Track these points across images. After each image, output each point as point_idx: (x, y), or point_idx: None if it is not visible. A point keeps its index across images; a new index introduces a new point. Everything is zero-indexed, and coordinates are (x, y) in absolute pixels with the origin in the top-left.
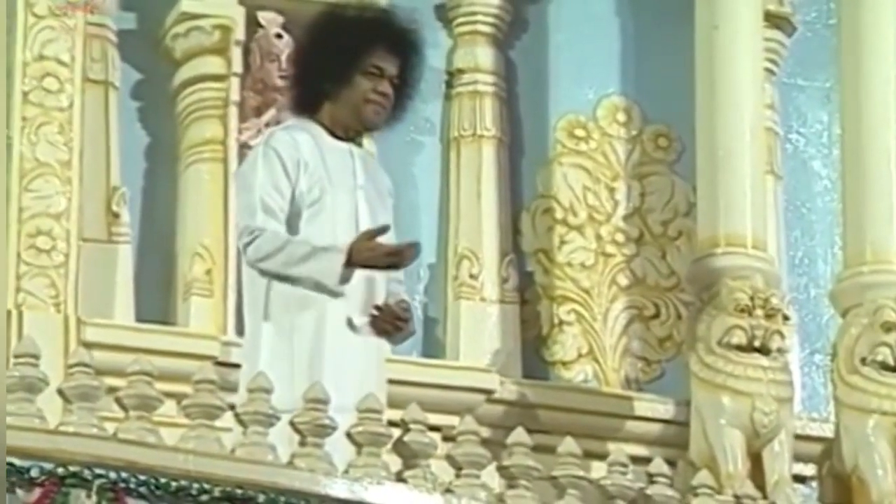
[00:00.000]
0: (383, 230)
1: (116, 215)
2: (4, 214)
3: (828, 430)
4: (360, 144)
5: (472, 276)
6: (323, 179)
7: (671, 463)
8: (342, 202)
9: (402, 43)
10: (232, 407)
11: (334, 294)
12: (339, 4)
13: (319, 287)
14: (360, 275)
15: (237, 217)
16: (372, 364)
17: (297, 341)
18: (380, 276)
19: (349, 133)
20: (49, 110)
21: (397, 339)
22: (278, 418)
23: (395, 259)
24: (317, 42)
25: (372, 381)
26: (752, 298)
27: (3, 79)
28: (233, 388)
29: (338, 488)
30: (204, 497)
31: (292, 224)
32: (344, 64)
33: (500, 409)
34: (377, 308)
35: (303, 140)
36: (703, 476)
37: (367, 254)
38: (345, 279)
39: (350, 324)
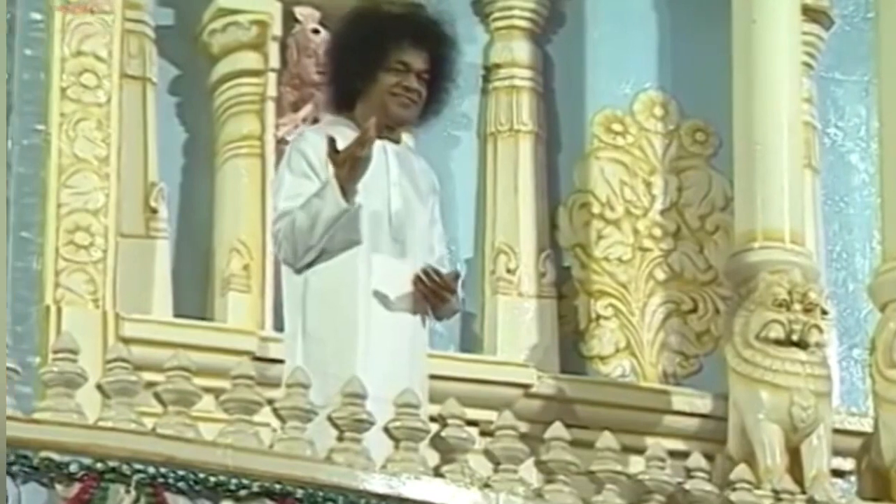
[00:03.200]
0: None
1: (154, 211)
2: (4, 214)
3: (866, 425)
4: (396, 140)
5: (509, 271)
6: None
7: (709, 457)
8: (372, 199)
9: (428, 37)
10: (270, 402)
11: (356, 229)
12: (370, 0)
13: (340, 227)
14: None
15: (271, 222)
16: (408, 355)
17: (331, 337)
18: (419, 257)
19: (381, 130)
20: (87, 106)
21: (443, 312)
22: (316, 413)
23: (365, 140)
24: (343, 40)
25: (406, 373)
26: (790, 293)
27: (2, 78)
28: (270, 384)
29: (375, 483)
30: (242, 492)
31: None
32: (369, 61)
33: (538, 404)
34: (424, 272)
35: (329, 138)
36: (742, 471)
37: (342, 156)
38: (349, 194)
39: (384, 300)
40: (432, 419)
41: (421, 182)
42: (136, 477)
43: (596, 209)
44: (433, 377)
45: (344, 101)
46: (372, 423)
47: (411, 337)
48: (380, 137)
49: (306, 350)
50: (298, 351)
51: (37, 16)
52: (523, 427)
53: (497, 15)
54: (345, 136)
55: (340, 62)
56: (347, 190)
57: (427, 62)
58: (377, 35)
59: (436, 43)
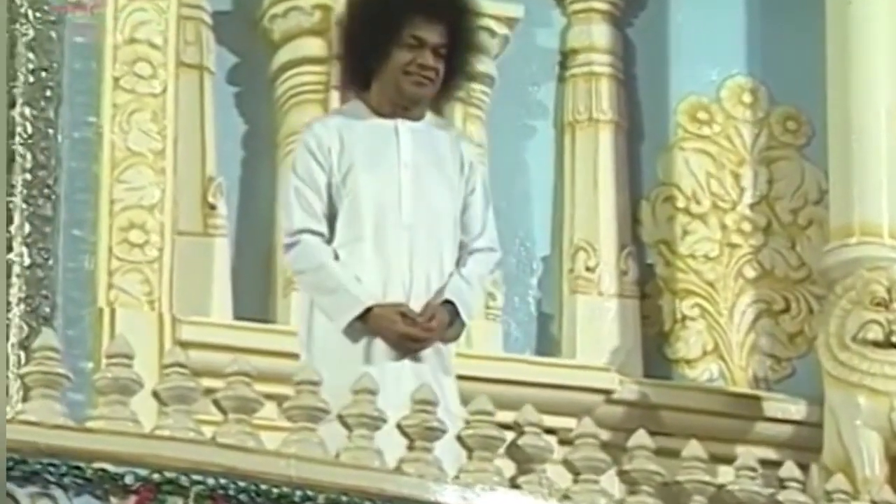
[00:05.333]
0: (431, 313)
1: (213, 207)
2: (4, 214)
3: None
4: (417, 118)
5: (588, 269)
6: (355, 162)
7: (803, 467)
8: (379, 182)
9: (443, 8)
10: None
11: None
12: None
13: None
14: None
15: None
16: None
17: (336, 345)
18: (434, 272)
19: (396, 109)
20: (141, 96)
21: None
22: (385, 420)
23: (408, 346)
24: (355, 15)
25: (411, 374)
26: (889, 291)
27: (3, 78)
28: None
29: (448, 495)
30: None
31: (334, 214)
32: (381, 37)
33: (620, 411)
34: (402, 315)
35: (333, 126)
36: (838, 481)
37: (383, 324)
38: (350, 331)
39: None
40: (508, 427)
41: (447, 161)
42: (194, 489)
43: (681, 203)
44: (508, 382)
45: (358, 79)
46: (444, 432)
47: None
48: (396, 116)
49: (312, 356)
50: (304, 356)
51: (88, 1)
52: (604, 435)
53: None
54: (354, 126)
55: (352, 39)
56: (357, 330)
57: (444, 35)
58: (389, 10)
59: (452, 14)
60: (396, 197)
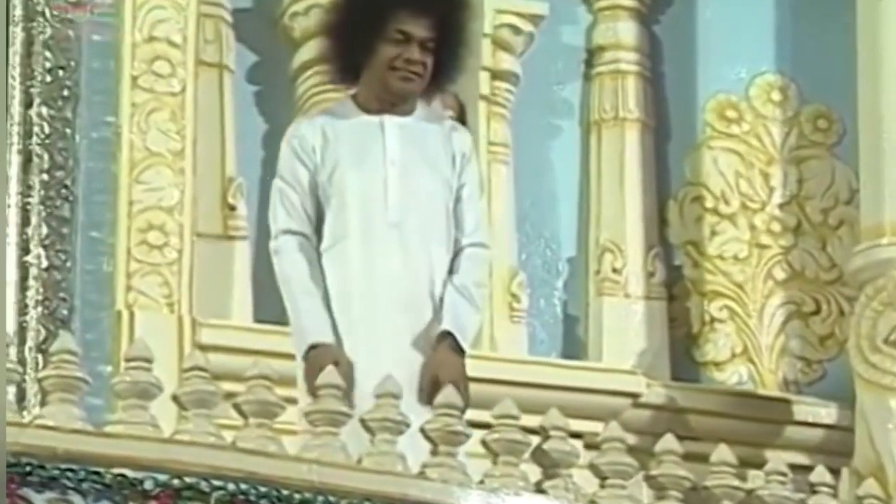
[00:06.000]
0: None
1: (233, 208)
2: (4, 213)
3: None
4: (406, 112)
5: (615, 271)
6: (340, 160)
7: (834, 471)
8: (365, 180)
9: (431, 2)
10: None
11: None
12: None
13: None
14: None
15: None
16: (408, 355)
17: None
18: (428, 238)
19: (384, 105)
20: (160, 96)
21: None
22: (408, 425)
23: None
24: (342, 12)
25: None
26: None
27: (3, 78)
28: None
29: (472, 500)
30: None
31: (322, 214)
32: (366, 31)
33: (647, 414)
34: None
35: (318, 124)
36: (870, 486)
37: (311, 371)
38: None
39: (380, 301)
40: (533, 431)
41: (438, 156)
42: (215, 494)
43: (709, 203)
44: (534, 385)
45: (347, 75)
46: (468, 436)
47: (413, 336)
48: (384, 112)
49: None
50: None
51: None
52: (631, 439)
53: None
54: (339, 124)
55: (338, 33)
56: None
57: (431, 29)
58: (374, 4)
59: (440, 6)
60: (382, 194)
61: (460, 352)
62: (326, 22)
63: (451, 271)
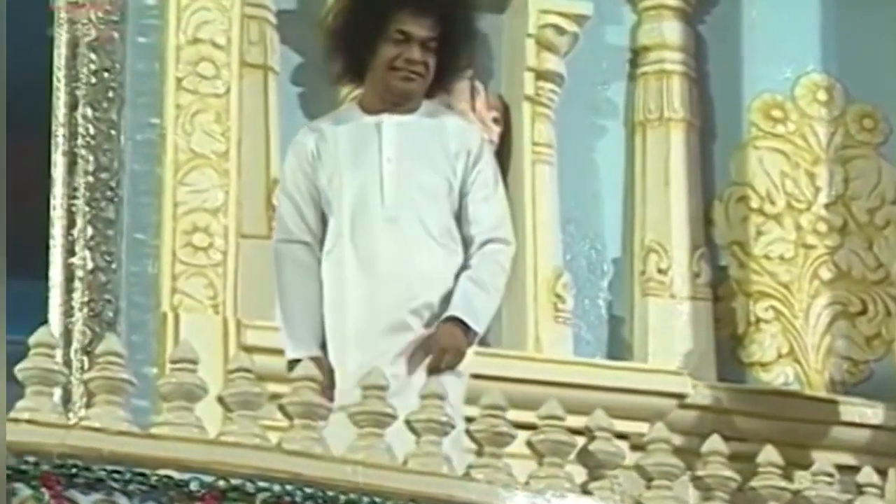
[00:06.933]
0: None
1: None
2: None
3: None
4: (409, 111)
5: (660, 271)
6: (339, 163)
7: (881, 472)
8: (361, 179)
9: (432, 2)
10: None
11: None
12: None
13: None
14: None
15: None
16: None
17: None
18: (427, 233)
19: (386, 104)
20: (204, 97)
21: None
22: (453, 426)
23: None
24: (343, 12)
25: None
26: None
27: (2, 78)
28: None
29: (518, 501)
30: None
31: (325, 219)
32: (367, 32)
33: (693, 415)
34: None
35: (318, 129)
36: None
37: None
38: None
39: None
40: (579, 432)
41: (440, 151)
42: (260, 496)
43: (755, 203)
44: (579, 386)
45: (351, 75)
46: (514, 437)
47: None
48: (386, 111)
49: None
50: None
51: (150, 1)
52: (677, 440)
53: None
54: (339, 128)
55: (341, 34)
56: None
57: (432, 28)
58: (374, 4)
59: (441, 6)
60: (378, 192)
61: (466, 330)
62: (330, 23)
63: (465, 266)
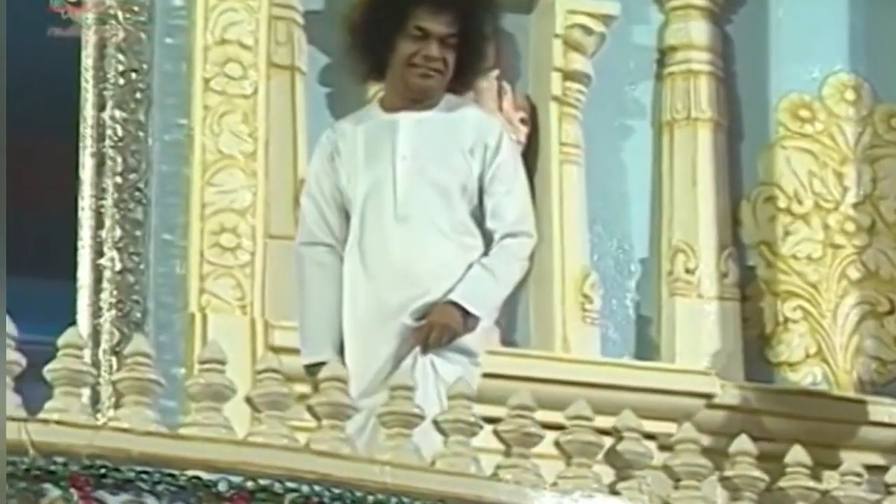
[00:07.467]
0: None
1: None
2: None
3: None
4: (428, 107)
5: (687, 271)
6: (358, 163)
7: None
8: (375, 178)
9: None
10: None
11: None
12: None
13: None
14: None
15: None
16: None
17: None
18: (440, 232)
19: (405, 102)
20: (232, 98)
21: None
22: (481, 427)
23: None
24: (362, 9)
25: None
26: None
27: (3, 78)
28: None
29: (546, 501)
30: None
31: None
32: (386, 28)
33: (721, 415)
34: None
35: (339, 130)
36: None
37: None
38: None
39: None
40: (606, 433)
41: (458, 146)
42: (289, 496)
43: (782, 203)
44: (607, 386)
45: (371, 72)
46: (542, 437)
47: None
48: (405, 108)
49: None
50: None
51: (178, 2)
52: (705, 440)
53: None
54: (359, 128)
55: (360, 31)
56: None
57: (451, 24)
58: (393, 0)
59: (460, 2)
60: (391, 190)
61: (466, 314)
62: (349, 20)
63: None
